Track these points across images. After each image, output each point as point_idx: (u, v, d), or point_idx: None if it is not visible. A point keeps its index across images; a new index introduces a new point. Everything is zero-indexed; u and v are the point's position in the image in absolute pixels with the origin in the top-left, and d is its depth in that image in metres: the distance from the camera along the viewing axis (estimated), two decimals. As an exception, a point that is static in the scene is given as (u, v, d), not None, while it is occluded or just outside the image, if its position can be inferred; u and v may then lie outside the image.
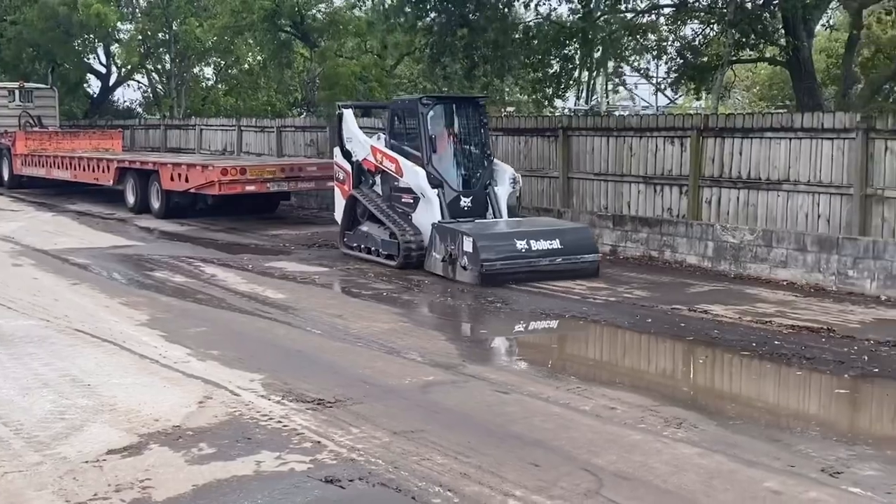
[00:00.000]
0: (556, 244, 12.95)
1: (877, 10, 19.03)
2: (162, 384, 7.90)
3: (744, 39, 18.85)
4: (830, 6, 20.76)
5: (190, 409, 7.18)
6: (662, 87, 27.35)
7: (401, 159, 14.30)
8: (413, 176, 13.99)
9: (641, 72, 24.35)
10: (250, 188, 19.34)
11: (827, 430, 7.06)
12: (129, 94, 39.57)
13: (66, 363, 8.51)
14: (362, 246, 14.80)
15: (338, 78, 24.08)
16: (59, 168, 25.51)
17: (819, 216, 13.06)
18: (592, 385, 8.03)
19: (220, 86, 36.18)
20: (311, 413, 7.09)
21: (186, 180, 19.84)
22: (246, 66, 34.43)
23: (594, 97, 33.05)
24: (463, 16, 19.00)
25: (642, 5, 20.44)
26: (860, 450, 6.50)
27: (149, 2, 32.59)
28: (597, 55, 21.82)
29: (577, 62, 21.57)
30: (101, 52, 36.32)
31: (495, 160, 14.76)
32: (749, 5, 18.34)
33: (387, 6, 22.02)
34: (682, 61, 20.72)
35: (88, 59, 35.90)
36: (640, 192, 15.45)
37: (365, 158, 15.09)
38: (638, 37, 20.37)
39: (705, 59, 20.31)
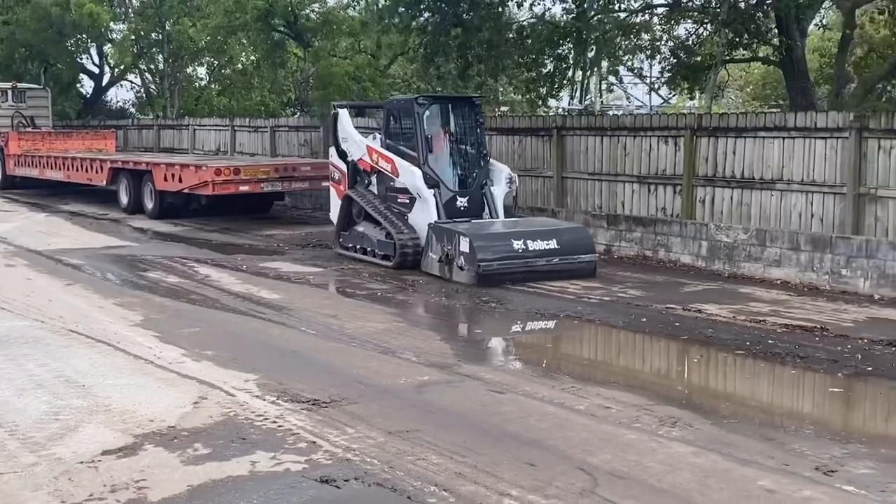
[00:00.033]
0: (553, 244, 12.94)
1: (870, 9, 19.12)
2: (156, 385, 7.90)
3: (737, 39, 18.90)
4: (823, 6, 20.83)
5: (185, 410, 7.17)
6: (656, 86, 27.41)
7: (397, 159, 14.28)
8: (409, 176, 13.97)
9: (635, 71, 24.37)
10: (244, 188, 19.31)
11: (821, 428, 7.08)
12: (122, 95, 39.62)
13: (60, 364, 8.50)
14: (358, 246, 14.79)
15: (331, 78, 24.05)
16: (52, 168, 25.46)
17: (812, 215, 13.10)
18: (587, 384, 8.05)
19: (213, 86, 36.13)
20: (306, 413, 7.09)
21: (180, 180, 19.80)
22: (239, 66, 34.39)
23: (588, 97, 33.12)
24: (457, 15, 19.01)
25: (636, 5, 20.48)
26: (854, 448, 6.52)
27: (142, 1, 32.54)
28: (591, 55, 21.86)
29: (571, 62, 21.60)
30: (93, 52, 36.33)
31: (491, 160, 14.76)
32: (742, 5, 18.39)
33: (381, 6, 22.01)
34: (675, 61, 20.77)
35: (81, 59, 35.88)
36: (634, 192, 15.47)
37: (360, 158, 15.07)
38: (632, 36, 20.39)
39: (699, 58, 20.36)
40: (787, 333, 9.73)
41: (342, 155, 15.45)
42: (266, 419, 6.96)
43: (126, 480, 5.78)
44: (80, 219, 20.91)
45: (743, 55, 21.71)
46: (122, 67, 36.16)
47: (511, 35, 19.90)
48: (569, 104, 31.65)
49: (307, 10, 25.91)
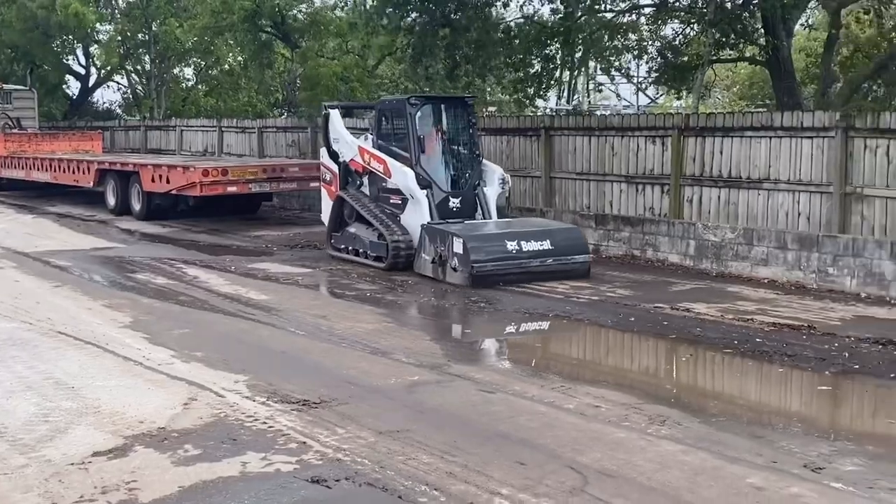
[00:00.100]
0: (547, 245, 12.93)
1: (855, 9, 19.21)
2: (146, 386, 7.89)
3: (724, 39, 18.97)
4: (809, 6, 20.92)
5: (175, 411, 7.17)
6: (644, 86, 27.49)
7: (389, 160, 14.25)
8: (401, 177, 13.94)
9: (622, 71, 24.42)
10: (232, 189, 19.28)
11: (809, 426, 7.13)
12: (108, 96, 39.45)
13: (49, 366, 8.48)
14: (350, 248, 14.75)
15: (319, 78, 24.05)
16: (38, 170, 25.37)
17: (799, 214, 13.16)
18: (577, 384, 8.08)
19: (200, 87, 36.05)
20: (296, 414, 7.09)
21: (167, 181, 19.77)
22: (226, 66, 34.32)
23: (576, 97, 33.19)
24: (445, 15, 19.03)
25: (623, 5, 20.53)
26: (841, 445, 6.57)
27: (128, 2, 32.42)
28: (578, 55, 21.91)
29: (559, 62, 21.65)
30: (80, 53, 36.16)
31: (484, 160, 14.75)
32: (729, 5, 18.45)
33: (368, 7, 22.00)
34: (662, 61, 20.83)
35: (67, 60, 35.72)
36: (622, 192, 15.51)
37: (352, 159, 15.03)
38: (619, 36, 20.45)
39: (685, 58, 20.45)
40: (774, 332, 9.78)
41: (333, 156, 15.40)
42: (256, 420, 6.96)
43: (117, 482, 5.78)
44: (68, 220, 20.84)
45: (729, 55, 21.80)
46: (108, 68, 36.01)
47: (499, 35, 19.93)
48: (556, 104, 31.69)
49: (294, 11, 25.89)
